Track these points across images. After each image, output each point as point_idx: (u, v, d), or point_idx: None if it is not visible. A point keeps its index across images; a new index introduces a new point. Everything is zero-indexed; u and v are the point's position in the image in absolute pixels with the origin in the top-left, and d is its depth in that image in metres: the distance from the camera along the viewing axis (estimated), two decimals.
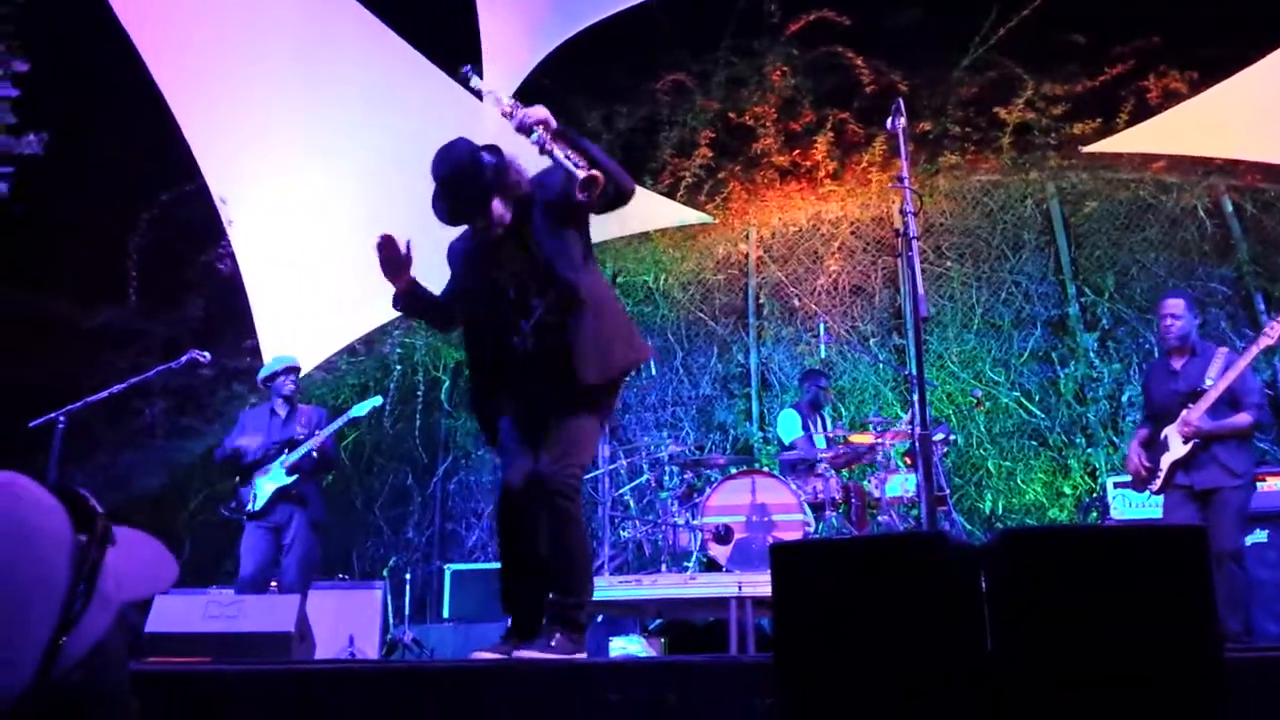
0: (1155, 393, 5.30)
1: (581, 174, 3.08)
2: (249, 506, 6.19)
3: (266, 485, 6.21)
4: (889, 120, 3.40)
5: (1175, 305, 5.24)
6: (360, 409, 6.59)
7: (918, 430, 2.91)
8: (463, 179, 3.28)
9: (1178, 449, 5.03)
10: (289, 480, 6.18)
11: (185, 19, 6.43)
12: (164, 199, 8.74)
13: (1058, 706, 1.55)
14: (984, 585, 1.77)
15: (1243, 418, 4.94)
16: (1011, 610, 1.65)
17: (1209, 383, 4.99)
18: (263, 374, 6.58)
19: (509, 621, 3.45)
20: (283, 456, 6.24)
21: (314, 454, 6.27)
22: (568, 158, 3.14)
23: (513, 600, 3.46)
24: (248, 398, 9.12)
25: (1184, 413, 5.01)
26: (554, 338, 3.36)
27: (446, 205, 3.33)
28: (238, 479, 6.32)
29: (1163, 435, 5.12)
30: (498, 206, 3.35)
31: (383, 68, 6.95)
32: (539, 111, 3.28)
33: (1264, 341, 5.01)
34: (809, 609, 1.68)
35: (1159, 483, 5.08)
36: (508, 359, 3.43)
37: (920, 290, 2.96)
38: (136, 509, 9.29)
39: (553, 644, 3.22)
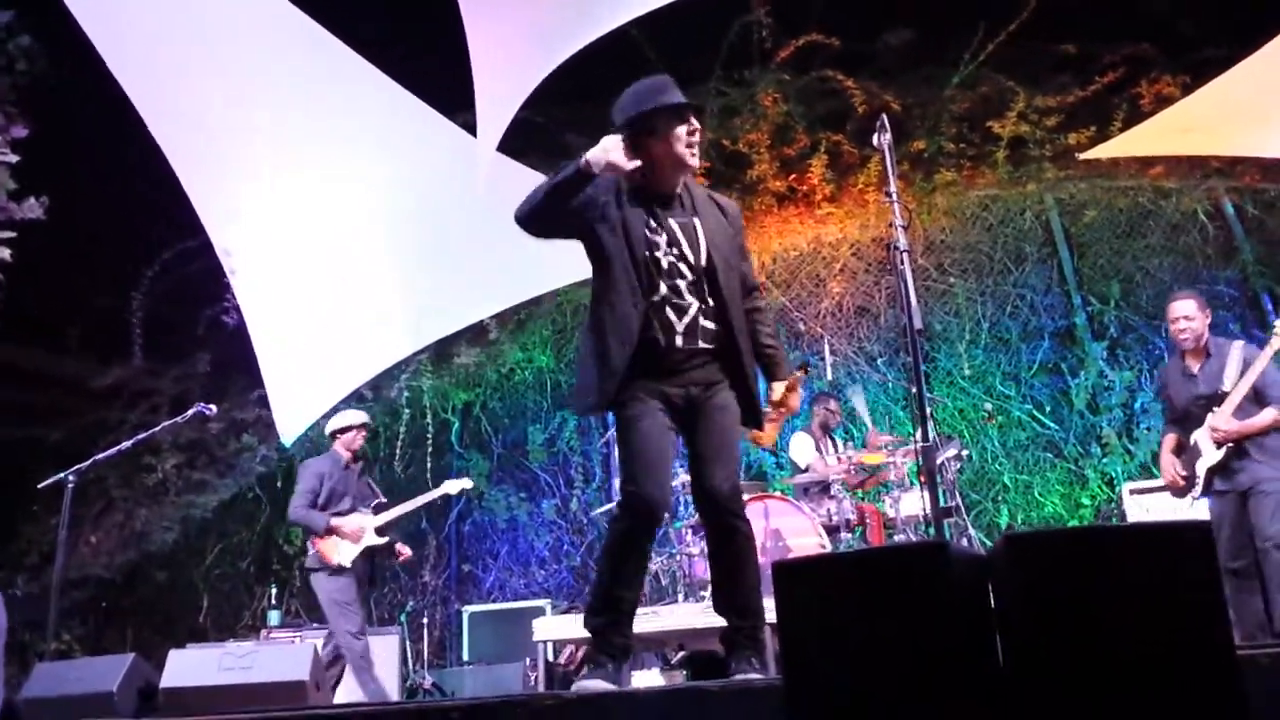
0: (1176, 397, 5.17)
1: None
2: (336, 560, 6.18)
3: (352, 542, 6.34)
4: (874, 136, 3.41)
5: (1186, 307, 5.08)
6: (451, 486, 6.92)
7: (920, 444, 2.89)
8: None
9: (1211, 454, 4.94)
10: (379, 541, 6.37)
11: (182, 74, 6.50)
12: (167, 255, 8.82)
13: (1069, 710, 1.53)
14: (992, 591, 1.75)
15: (1269, 413, 4.84)
16: (1018, 613, 1.63)
17: (1228, 384, 4.90)
18: (334, 426, 6.59)
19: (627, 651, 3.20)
20: (373, 518, 6.40)
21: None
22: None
23: (628, 628, 3.22)
24: (258, 449, 9.12)
25: (1210, 418, 4.93)
26: (708, 342, 3.18)
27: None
28: (313, 532, 6.29)
29: (1192, 440, 5.03)
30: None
31: (379, 113, 7.02)
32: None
33: (1276, 342, 4.89)
34: (812, 627, 1.67)
35: (1198, 489, 4.98)
36: (658, 348, 3.15)
37: (913, 302, 2.95)
38: (153, 565, 9.29)
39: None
